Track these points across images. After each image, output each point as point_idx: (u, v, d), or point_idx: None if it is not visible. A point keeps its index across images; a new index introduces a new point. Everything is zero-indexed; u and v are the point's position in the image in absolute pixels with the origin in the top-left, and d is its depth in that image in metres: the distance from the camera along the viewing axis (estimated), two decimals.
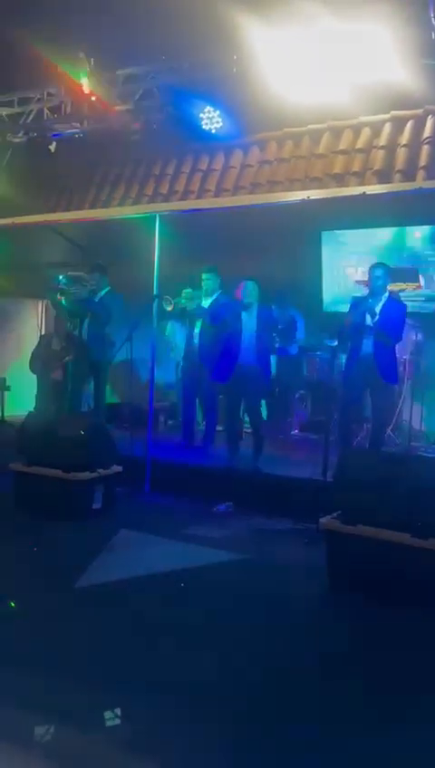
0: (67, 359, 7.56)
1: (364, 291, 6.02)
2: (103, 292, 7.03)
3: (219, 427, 6.85)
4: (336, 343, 5.62)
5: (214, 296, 6.69)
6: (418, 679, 3.09)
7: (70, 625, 3.52)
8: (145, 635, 3.43)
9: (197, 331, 6.76)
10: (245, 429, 6.75)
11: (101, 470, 5.45)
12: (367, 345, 5.57)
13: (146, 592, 4.04)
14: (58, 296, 7.10)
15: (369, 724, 2.69)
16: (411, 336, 6.74)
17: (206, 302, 6.71)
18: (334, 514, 4.14)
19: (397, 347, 5.85)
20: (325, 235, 8.13)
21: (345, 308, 6.05)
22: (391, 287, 6.12)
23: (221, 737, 2.60)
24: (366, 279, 6.03)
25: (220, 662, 3.19)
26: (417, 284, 7.49)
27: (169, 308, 6.66)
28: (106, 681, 2.97)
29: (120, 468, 5.63)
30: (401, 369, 6.54)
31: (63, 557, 4.59)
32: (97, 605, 3.81)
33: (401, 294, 7.22)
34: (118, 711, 2.86)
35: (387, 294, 5.71)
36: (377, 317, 5.53)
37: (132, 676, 3.01)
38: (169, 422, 8.27)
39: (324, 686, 3.03)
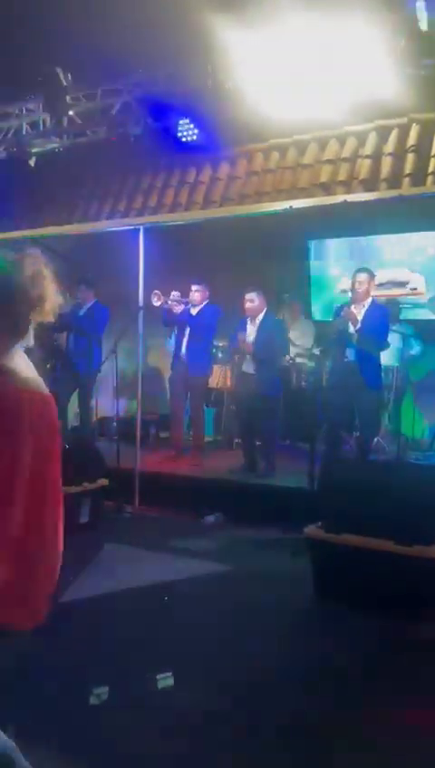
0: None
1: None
2: (90, 305, 7.05)
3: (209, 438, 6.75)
4: (319, 351, 5.60)
5: (201, 306, 6.69)
6: (403, 688, 3.03)
7: (55, 640, 3.46)
8: (128, 648, 3.37)
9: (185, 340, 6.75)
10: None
11: (87, 484, 5.38)
12: (350, 353, 5.55)
13: (131, 606, 3.99)
14: None
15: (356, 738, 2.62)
16: (399, 343, 6.70)
17: (193, 312, 6.70)
18: (319, 523, 4.09)
19: (384, 353, 5.83)
20: (313, 245, 8.15)
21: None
22: (384, 293, 6.10)
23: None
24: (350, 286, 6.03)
25: (205, 675, 3.14)
26: (416, 291, 7.49)
27: (158, 303, 6.58)
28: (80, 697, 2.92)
29: (106, 482, 5.58)
30: (390, 376, 6.51)
31: None
32: (82, 619, 3.75)
33: (399, 301, 7.25)
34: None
35: (370, 300, 5.69)
36: (359, 324, 5.51)
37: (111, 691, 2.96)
38: (162, 434, 8.21)
39: (313, 699, 2.96)
